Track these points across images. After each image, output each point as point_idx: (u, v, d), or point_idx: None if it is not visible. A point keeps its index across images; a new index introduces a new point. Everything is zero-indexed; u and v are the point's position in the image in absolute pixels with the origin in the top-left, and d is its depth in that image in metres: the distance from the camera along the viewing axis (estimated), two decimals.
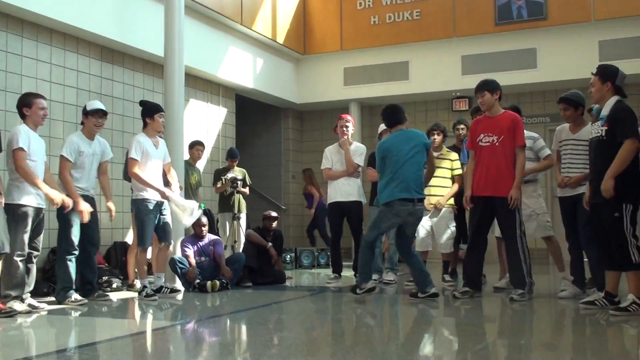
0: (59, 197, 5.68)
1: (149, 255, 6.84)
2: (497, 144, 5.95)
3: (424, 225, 7.30)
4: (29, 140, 5.60)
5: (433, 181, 7.13)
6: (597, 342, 4.34)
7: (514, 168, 5.93)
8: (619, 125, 4.89)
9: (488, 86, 6.12)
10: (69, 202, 5.79)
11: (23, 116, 5.76)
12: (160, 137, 6.89)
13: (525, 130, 6.50)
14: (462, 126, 7.87)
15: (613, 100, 5.05)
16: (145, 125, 6.61)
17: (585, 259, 6.03)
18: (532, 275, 6.01)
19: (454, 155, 7.37)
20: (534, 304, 5.91)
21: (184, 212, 6.55)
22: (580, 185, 5.78)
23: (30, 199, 5.59)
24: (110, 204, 6.46)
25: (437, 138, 7.41)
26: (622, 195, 4.85)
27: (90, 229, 6.24)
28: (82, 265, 6.25)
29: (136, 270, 6.86)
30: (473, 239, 6.18)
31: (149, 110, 6.61)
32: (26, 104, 5.72)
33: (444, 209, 7.28)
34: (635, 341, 4.45)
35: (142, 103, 6.82)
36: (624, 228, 4.89)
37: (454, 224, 7.29)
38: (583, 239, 5.77)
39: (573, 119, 5.93)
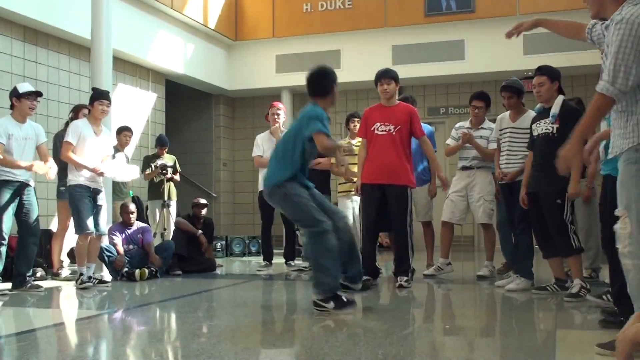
0: None
1: (73, 243, 6.68)
2: (394, 133, 6.03)
3: (348, 215, 7.42)
4: None
5: (352, 168, 7.25)
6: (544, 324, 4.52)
7: (409, 158, 6.06)
8: (572, 124, 4.99)
9: (393, 74, 6.22)
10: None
11: None
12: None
13: (487, 122, 6.76)
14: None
15: (560, 99, 5.29)
16: (89, 111, 6.48)
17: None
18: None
19: None
20: (462, 289, 6.10)
21: (123, 175, 6.66)
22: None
23: None
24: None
25: (358, 126, 7.50)
26: (563, 183, 5.01)
27: (27, 218, 6.05)
28: (18, 256, 6.07)
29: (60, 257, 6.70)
30: (371, 229, 6.17)
31: (91, 97, 6.48)
32: None
33: (342, 198, 7.48)
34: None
35: (93, 89, 6.66)
36: (564, 214, 5.13)
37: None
38: (519, 226, 5.85)
39: (515, 107, 6.07)
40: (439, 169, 6.29)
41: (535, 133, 5.42)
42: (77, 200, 6.27)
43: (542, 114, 5.43)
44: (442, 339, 4.05)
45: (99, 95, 6.45)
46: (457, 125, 7.02)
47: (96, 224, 6.45)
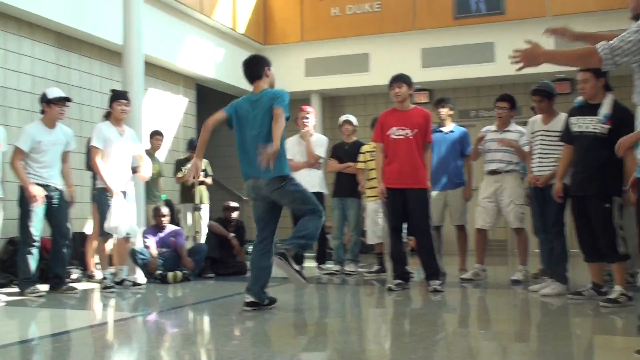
0: None
1: (108, 246, 6.75)
2: (411, 137, 6.03)
3: (376, 219, 7.43)
4: None
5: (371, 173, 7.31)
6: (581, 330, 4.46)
7: (425, 161, 6.08)
8: (627, 128, 4.92)
9: (405, 79, 6.24)
10: None
11: None
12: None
13: (514, 124, 6.71)
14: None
15: (610, 99, 5.15)
16: (109, 113, 6.56)
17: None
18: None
19: None
20: (497, 294, 6.05)
21: (113, 219, 6.33)
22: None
23: None
24: (71, 191, 6.33)
25: None
26: (612, 187, 4.95)
27: (59, 221, 6.16)
28: (51, 258, 6.19)
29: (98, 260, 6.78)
30: (397, 233, 6.19)
31: (110, 99, 6.56)
32: None
33: (370, 203, 7.45)
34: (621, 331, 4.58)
35: (111, 91, 6.74)
36: (613, 219, 5.01)
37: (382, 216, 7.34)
38: (552, 230, 5.78)
39: (546, 110, 5.97)
40: (429, 176, 6.21)
41: (577, 129, 5.23)
42: (103, 205, 6.34)
43: (584, 108, 5.27)
44: (477, 344, 4.01)
45: (117, 96, 6.54)
46: (483, 129, 6.95)
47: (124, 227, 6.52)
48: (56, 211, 6.14)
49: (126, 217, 6.39)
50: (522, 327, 4.81)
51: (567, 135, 5.41)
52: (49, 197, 6.08)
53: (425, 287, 6.06)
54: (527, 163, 6.18)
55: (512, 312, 5.55)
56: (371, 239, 7.72)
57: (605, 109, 5.11)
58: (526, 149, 6.35)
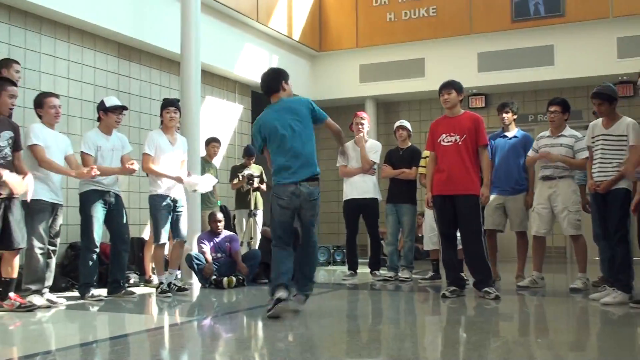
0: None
1: (166, 251, 6.88)
2: (459, 143, 5.96)
3: (433, 225, 7.33)
4: (43, 137, 5.67)
5: None
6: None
7: (476, 166, 5.96)
8: None
9: (455, 85, 6.16)
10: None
11: (39, 116, 5.85)
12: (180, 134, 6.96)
13: (568, 129, 6.56)
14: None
15: None
16: (161, 121, 6.69)
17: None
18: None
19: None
20: (555, 302, 5.90)
21: (200, 184, 6.73)
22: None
23: (44, 194, 5.64)
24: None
25: None
26: None
27: (118, 226, 6.30)
28: (111, 263, 6.35)
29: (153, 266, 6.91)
30: (448, 240, 6.14)
31: (160, 107, 6.71)
32: (37, 105, 5.84)
33: (429, 209, 7.35)
34: None
35: (163, 100, 6.90)
36: None
37: None
38: (614, 237, 5.56)
39: (607, 114, 5.76)
40: (489, 182, 6.09)
41: None
42: (155, 211, 6.47)
43: None
44: (534, 352, 3.91)
45: (166, 104, 6.68)
46: (539, 135, 6.81)
47: (177, 231, 6.62)
48: (116, 217, 6.29)
49: (202, 179, 6.77)
50: (581, 336, 4.67)
51: None
52: (108, 203, 6.23)
53: (480, 293, 5.96)
54: (587, 169, 6.00)
55: (570, 320, 5.40)
56: (427, 245, 7.65)
57: None
58: (584, 154, 6.19)
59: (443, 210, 6.05)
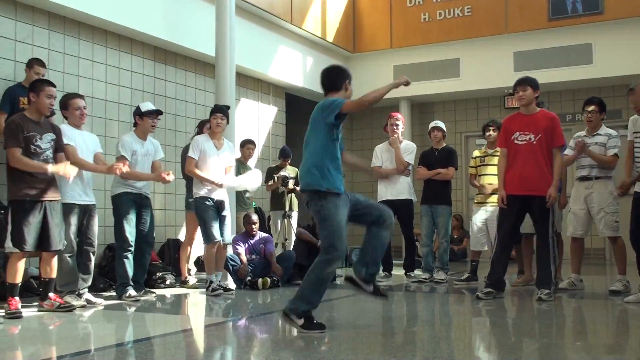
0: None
1: (200, 252, 6.94)
2: (534, 142, 5.84)
3: (479, 224, 7.27)
4: (73, 137, 5.75)
5: (488, 179, 7.19)
6: None
7: (551, 167, 5.83)
8: None
9: (531, 82, 6.04)
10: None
11: (65, 118, 5.94)
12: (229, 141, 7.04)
13: (604, 127, 6.50)
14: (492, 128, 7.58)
15: None
16: (209, 127, 6.80)
17: None
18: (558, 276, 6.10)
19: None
20: (593, 305, 5.79)
21: (246, 183, 6.90)
22: None
23: (74, 196, 5.72)
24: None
25: (493, 134, 7.33)
26: None
27: (145, 227, 6.37)
28: (134, 263, 6.37)
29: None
30: (506, 239, 6.05)
31: (210, 112, 6.81)
32: (63, 106, 5.92)
33: (479, 209, 7.27)
34: None
35: (214, 105, 7.00)
36: None
37: None
38: None
39: None
40: (557, 183, 5.87)
41: None
42: (202, 212, 6.54)
43: None
44: (572, 355, 3.84)
45: (213, 110, 6.77)
46: (576, 135, 6.71)
47: (221, 234, 6.68)
48: (144, 219, 6.36)
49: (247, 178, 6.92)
50: (620, 339, 4.57)
51: None
52: (139, 206, 6.31)
53: (534, 295, 5.92)
54: (625, 166, 5.91)
55: (610, 323, 5.29)
56: (475, 245, 7.54)
57: None
58: (614, 151, 6.20)
59: (510, 210, 5.94)
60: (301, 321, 4.34)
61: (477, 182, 7.50)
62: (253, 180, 7.02)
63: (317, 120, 4.70)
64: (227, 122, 6.82)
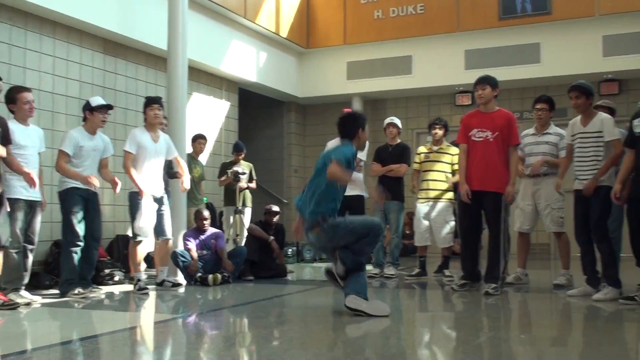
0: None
1: (150, 249, 6.85)
2: (491, 139, 5.97)
3: (423, 220, 7.38)
4: (17, 135, 5.53)
5: (432, 175, 7.30)
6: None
7: (506, 164, 5.95)
8: None
9: (490, 81, 6.14)
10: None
11: (11, 112, 5.75)
12: (163, 130, 6.92)
13: (553, 126, 6.63)
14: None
15: None
16: (145, 119, 6.64)
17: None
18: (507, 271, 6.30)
19: (454, 150, 7.37)
20: (538, 298, 5.94)
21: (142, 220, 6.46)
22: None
23: (20, 191, 5.56)
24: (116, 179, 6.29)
25: (439, 132, 7.47)
26: None
27: (92, 224, 6.24)
28: (81, 259, 6.23)
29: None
30: (468, 235, 6.19)
31: (144, 104, 6.64)
32: (10, 100, 5.71)
33: (442, 204, 7.36)
34: None
35: (145, 98, 6.83)
36: None
37: (453, 218, 7.32)
38: (596, 234, 5.68)
39: (583, 109, 5.83)
40: (514, 181, 6.02)
41: (637, 130, 5.14)
42: (133, 207, 6.43)
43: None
44: (517, 348, 3.93)
45: (149, 102, 6.62)
46: (524, 133, 6.84)
47: (161, 230, 6.59)
48: (91, 214, 6.23)
49: (153, 219, 6.50)
50: (563, 332, 4.70)
51: (629, 139, 5.32)
52: (87, 201, 6.19)
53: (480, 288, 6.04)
54: (560, 168, 6.10)
55: (553, 316, 5.43)
56: (419, 241, 7.64)
57: None
58: (562, 153, 6.33)
59: (466, 204, 6.04)
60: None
61: (414, 181, 7.61)
62: (147, 226, 6.55)
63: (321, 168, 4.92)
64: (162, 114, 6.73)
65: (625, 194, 5.26)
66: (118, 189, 6.24)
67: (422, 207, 7.49)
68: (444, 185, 7.37)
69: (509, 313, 5.55)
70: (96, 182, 6.05)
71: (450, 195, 7.35)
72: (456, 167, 7.28)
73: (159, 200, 6.56)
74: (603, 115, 5.74)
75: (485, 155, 5.95)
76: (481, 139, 6.00)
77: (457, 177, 7.00)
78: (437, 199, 7.39)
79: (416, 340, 4.36)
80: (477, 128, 6.04)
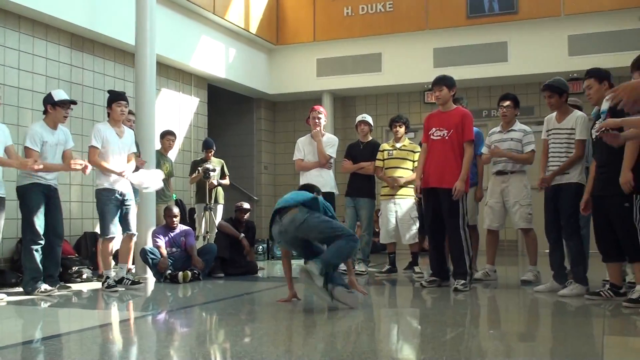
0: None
1: (117, 246, 6.78)
2: (446, 137, 6.11)
3: (390, 218, 7.43)
4: None
5: (398, 172, 7.36)
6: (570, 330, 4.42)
7: (461, 161, 6.06)
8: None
9: (446, 81, 6.24)
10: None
11: None
12: (131, 127, 6.84)
13: (518, 123, 6.73)
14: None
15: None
16: (108, 114, 6.53)
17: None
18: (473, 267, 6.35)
19: (417, 147, 7.43)
20: (506, 294, 6.02)
21: (147, 182, 6.64)
22: (563, 174, 5.79)
23: None
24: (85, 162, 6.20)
25: (400, 130, 7.56)
26: (635, 186, 4.85)
27: (54, 220, 6.15)
28: (45, 257, 6.12)
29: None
30: (433, 232, 6.30)
31: (108, 100, 6.50)
32: None
33: (406, 201, 7.42)
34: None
35: (108, 92, 6.71)
36: (634, 218, 4.90)
37: (417, 214, 7.38)
38: (566, 231, 5.77)
39: (558, 107, 5.91)
40: (464, 176, 6.05)
41: (594, 137, 5.23)
42: (102, 205, 6.34)
43: (597, 118, 5.26)
44: (486, 344, 3.98)
45: (116, 97, 6.48)
46: (491, 131, 6.94)
47: (126, 225, 6.52)
48: (52, 210, 6.14)
49: (150, 176, 6.63)
50: (531, 327, 4.77)
51: (593, 149, 5.43)
52: (48, 197, 6.09)
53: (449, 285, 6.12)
54: (541, 163, 6.15)
55: (521, 312, 5.52)
56: (384, 238, 7.70)
57: (604, 105, 5.06)
58: (530, 147, 6.47)
59: (427, 202, 6.20)
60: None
61: (384, 174, 7.63)
62: (154, 179, 6.79)
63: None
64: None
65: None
66: (88, 171, 6.15)
67: (389, 205, 7.53)
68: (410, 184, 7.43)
69: (478, 309, 5.62)
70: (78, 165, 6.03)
71: (411, 191, 7.39)
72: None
73: (124, 196, 6.45)
74: (578, 113, 5.83)
75: (441, 153, 6.10)
76: (439, 138, 6.16)
77: (414, 175, 7.10)
78: (402, 196, 7.44)
79: (387, 336, 4.39)
80: (435, 127, 6.20)
